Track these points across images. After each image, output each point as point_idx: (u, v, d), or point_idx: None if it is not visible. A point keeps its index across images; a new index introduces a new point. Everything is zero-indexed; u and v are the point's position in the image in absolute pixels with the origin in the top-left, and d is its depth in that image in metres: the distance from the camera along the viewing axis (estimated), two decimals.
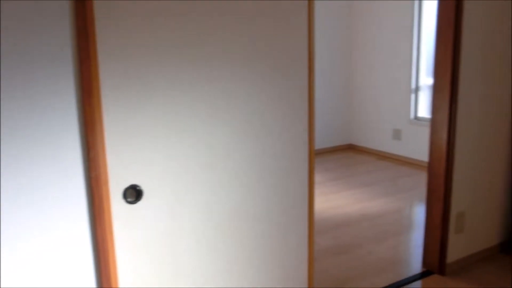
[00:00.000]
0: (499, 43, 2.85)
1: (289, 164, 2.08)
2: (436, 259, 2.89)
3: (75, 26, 1.47)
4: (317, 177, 5.02)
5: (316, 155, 6.03)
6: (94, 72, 1.51)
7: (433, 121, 2.82)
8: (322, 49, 5.94)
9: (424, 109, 5.52)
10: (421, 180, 4.86)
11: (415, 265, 3.02)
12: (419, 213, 3.97)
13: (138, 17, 1.57)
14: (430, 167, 2.86)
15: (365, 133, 6.19)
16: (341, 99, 6.24)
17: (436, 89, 2.78)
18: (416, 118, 5.53)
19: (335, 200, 4.28)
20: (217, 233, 1.91)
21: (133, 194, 1.66)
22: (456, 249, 2.92)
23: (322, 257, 3.14)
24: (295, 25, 1.98)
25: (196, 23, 1.70)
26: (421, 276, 2.88)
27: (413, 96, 5.51)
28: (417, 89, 5.49)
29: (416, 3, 5.32)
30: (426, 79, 5.46)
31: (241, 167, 1.93)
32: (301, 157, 2.11)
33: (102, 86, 1.54)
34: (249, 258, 2.04)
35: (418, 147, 5.50)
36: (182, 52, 1.69)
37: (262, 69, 1.91)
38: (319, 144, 6.15)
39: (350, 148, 6.39)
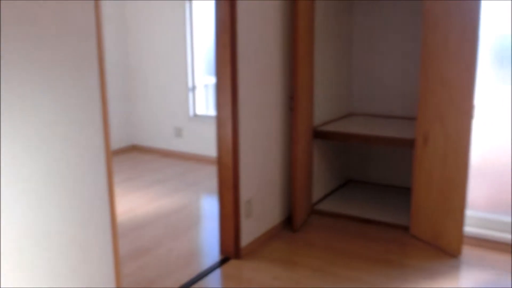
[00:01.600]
0: (271, 44, 3.22)
1: (84, 171, 1.99)
2: (231, 245, 3.14)
3: None
4: None
5: None
6: None
7: (218, 117, 3.04)
8: None
9: (202, 106, 5.83)
10: (206, 174, 5.15)
11: (214, 254, 3.22)
12: (209, 204, 4.22)
13: None
14: (220, 160, 3.08)
15: (148, 133, 6.23)
16: (120, 100, 6.13)
17: (219, 87, 3.00)
18: (195, 115, 5.82)
19: (127, 202, 4.22)
20: (8, 256, 1.72)
21: None
22: (248, 233, 3.23)
23: (124, 262, 3.09)
24: (82, 27, 1.90)
25: None
26: (220, 263, 3.09)
27: (191, 94, 5.77)
28: (193, 88, 5.77)
29: (187, 4, 5.57)
30: (203, 78, 5.77)
31: (31, 181, 1.77)
32: (98, 161, 2.04)
33: None
34: (49, 280, 1.89)
35: (199, 143, 5.80)
36: None
37: (46, 73, 1.78)
38: None
39: (134, 149, 6.35)
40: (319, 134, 3.79)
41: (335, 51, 4.14)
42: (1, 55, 1.61)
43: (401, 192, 4.33)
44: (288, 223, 3.69)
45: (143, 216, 3.90)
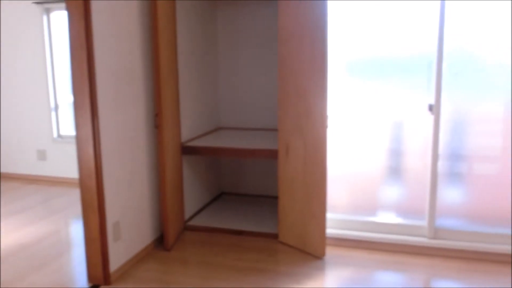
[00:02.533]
0: (132, 61, 3.16)
1: None
2: (100, 270, 3.00)
3: None
4: None
5: None
6: None
7: (78, 138, 2.90)
8: None
9: (67, 126, 5.53)
10: (74, 198, 4.88)
11: (81, 283, 3.05)
12: (77, 230, 3.99)
13: None
14: (82, 182, 2.93)
15: (9, 158, 5.73)
16: None
17: (76, 106, 2.87)
18: (60, 136, 5.49)
19: None
20: None
21: None
22: (117, 257, 3.11)
23: None
24: None
25: None
26: None
27: (54, 114, 5.44)
28: (56, 107, 5.45)
29: (45, 17, 5.26)
30: (67, 96, 5.47)
31: None
32: None
33: None
34: None
35: (66, 165, 5.48)
36: None
37: None
38: None
39: None
40: (187, 150, 3.80)
41: (200, 66, 4.20)
42: None
43: (271, 202, 4.50)
44: (161, 242, 3.63)
45: (3, 249, 3.56)
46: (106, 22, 2.91)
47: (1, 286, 2.99)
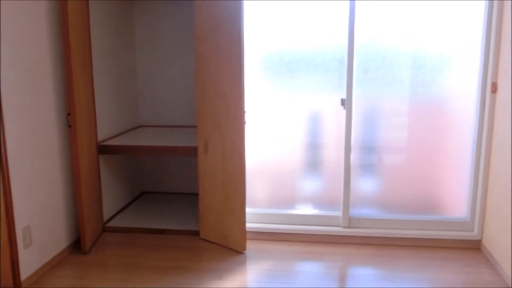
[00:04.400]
0: (41, 59, 3.00)
1: None
2: (9, 279, 2.84)
3: None
4: None
5: None
6: None
7: None
8: None
9: None
10: None
11: None
12: None
13: None
14: None
15: None
16: None
17: None
18: None
19: None
20: None
21: None
22: (29, 263, 2.96)
23: None
24: None
25: None
26: None
27: None
28: None
29: None
30: None
31: None
32: None
33: None
34: None
35: None
36: None
37: None
38: None
39: None
40: (104, 149, 3.68)
41: (117, 60, 4.08)
42: None
43: (192, 199, 4.49)
44: (78, 246, 3.50)
45: None
46: (10, 19, 2.74)
47: None
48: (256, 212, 3.66)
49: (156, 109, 4.55)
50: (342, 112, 3.45)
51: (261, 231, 3.59)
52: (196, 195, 4.60)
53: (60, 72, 3.29)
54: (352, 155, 3.49)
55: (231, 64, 3.18)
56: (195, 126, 4.46)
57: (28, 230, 2.94)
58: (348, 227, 3.56)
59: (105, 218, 3.89)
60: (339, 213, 3.59)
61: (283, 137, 3.57)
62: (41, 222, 3.08)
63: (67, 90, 3.26)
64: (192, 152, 3.54)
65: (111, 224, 3.85)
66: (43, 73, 3.09)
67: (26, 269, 2.93)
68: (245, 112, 3.20)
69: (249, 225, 3.61)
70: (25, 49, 2.89)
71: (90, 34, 3.49)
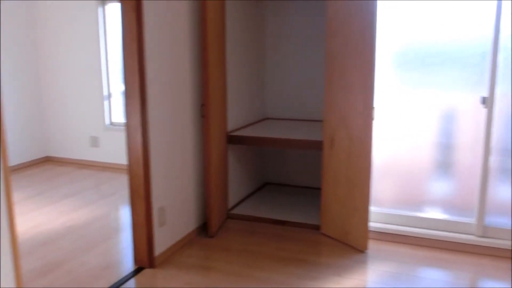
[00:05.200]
0: (180, 51, 3.23)
1: None
2: (145, 254, 3.10)
3: None
4: (14, 196, 4.61)
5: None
6: None
7: (128, 126, 3.00)
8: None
9: (119, 114, 5.71)
10: (123, 184, 5.05)
11: (128, 265, 3.16)
12: (125, 215, 4.14)
13: None
14: (130, 169, 3.04)
15: (63, 143, 6.00)
16: (32, 111, 5.85)
17: (127, 96, 2.96)
18: (112, 123, 5.69)
19: (36, 217, 4.04)
20: None
21: None
22: (162, 241, 3.20)
23: (33, 279, 2.95)
24: None
25: None
26: (134, 273, 3.04)
27: (106, 102, 5.64)
28: (109, 95, 5.64)
29: (100, 8, 5.44)
30: (119, 85, 5.65)
31: None
32: None
33: None
34: None
35: (116, 152, 5.67)
36: None
37: None
38: (11, 161, 5.63)
39: (48, 161, 6.08)
40: (233, 139, 3.84)
41: (248, 56, 4.22)
42: None
43: (314, 193, 4.49)
44: (204, 229, 3.71)
45: (54, 230, 3.75)
46: (156, 15, 2.97)
47: (53, 265, 3.15)
48: (380, 212, 3.54)
49: (282, 102, 4.63)
50: (482, 110, 3.19)
51: (384, 231, 3.47)
52: (318, 189, 4.60)
53: (197, 66, 3.49)
54: (491, 158, 3.21)
55: (361, 59, 3.10)
56: (321, 121, 4.45)
57: (162, 211, 3.18)
58: (483, 236, 3.28)
59: (230, 205, 4.06)
60: (471, 220, 3.33)
61: (412, 135, 3.40)
62: (174, 204, 3.31)
63: (202, 83, 3.45)
64: (317, 146, 3.54)
65: (235, 211, 4.01)
66: (182, 67, 3.30)
67: (159, 246, 3.18)
68: (373, 108, 3.11)
69: (372, 224, 3.51)
70: (168, 44, 3.12)
71: (225, 31, 3.65)
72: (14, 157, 5.63)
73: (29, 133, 5.83)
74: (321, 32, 4.37)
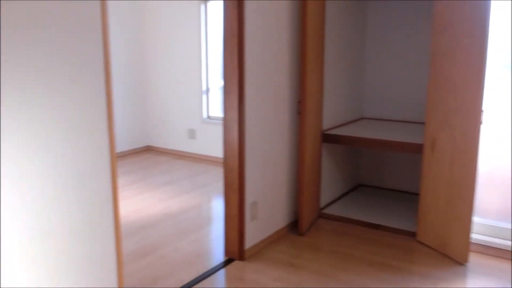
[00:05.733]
0: (279, 48, 3.24)
1: (90, 172, 2.03)
2: (236, 246, 3.16)
3: None
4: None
5: None
6: None
7: (225, 120, 3.06)
8: (111, 52, 5.82)
9: (215, 108, 5.88)
10: (216, 176, 5.19)
11: (218, 255, 3.24)
12: (217, 206, 4.25)
13: None
14: (225, 162, 3.10)
15: (162, 134, 6.30)
16: (136, 103, 6.22)
17: (226, 91, 3.03)
18: (209, 117, 5.86)
19: (137, 203, 4.28)
20: (13, 253, 1.77)
21: None
22: (253, 235, 3.24)
23: (128, 262, 3.13)
24: (88, 29, 1.94)
25: None
26: (224, 264, 3.11)
27: (205, 97, 5.82)
28: (208, 90, 5.82)
29: (203, 5, 5.63)
30: (217, 81, 5.82)
31: (35, 182, 1.81)
32: (102, 163, 2.08)
33: None
34: (51, 278, 1.93)
35: (212, 145, 5.84)
36: None
37: (54, 75, 1.83)
38: (116, 148, 6.01)
39: (149, 150, 6.42)
40: (328, 138, 3.78)
41: (347, 54, 4.13)
42: (1, 56, 1.66)
43: (411, 198, 4.29)
44: (295, 226, 3.69)
45: (152, 216, 3.95)
46: (257, 12, 3.00)
47: (150, 249, 3.32)
48: (484, 223, 3.29)
49: (380, 102, 4.47)
50: None
51: (488, 244, 3.22)
52: (415, 194, 4.39)
53: (295, 63, 3.47)
54: None
55: (471, 58, 2.89)
56: (420, 123, 4.24)
57: (255, 205, 3.22)
58: None
59: (322, 204, 4.01)
60: None
61: None
62: (266, 199, 3.34)
63: (300, 80, 3.43)
64: (416, 149, 3.37)
65: (327, 211, 3.95)
66: (281, 63, 3.31)
67: (250, 240, 3.21)
68: (482, 111, 2.89)
69: (474, 236, 3.27)
70: (267, 40, 3.14)
71: (324, 29, 3.60)
72: (119, 145, 6.02)
73: (133, 124, 6.20)
74: (423, 31, 4.15)
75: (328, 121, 3.93)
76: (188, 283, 2.85)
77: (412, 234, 3.51)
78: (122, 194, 4.53)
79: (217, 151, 5.80)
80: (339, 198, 4.30)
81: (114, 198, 2.17)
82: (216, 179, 5.06)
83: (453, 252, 3.14)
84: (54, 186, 1.89)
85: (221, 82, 5.80)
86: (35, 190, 1.82)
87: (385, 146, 3.51)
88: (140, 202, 4.29)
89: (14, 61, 1.69)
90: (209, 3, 5.63)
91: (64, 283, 1.98)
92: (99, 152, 2.06)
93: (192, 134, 5.99)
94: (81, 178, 2.00)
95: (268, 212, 3.38)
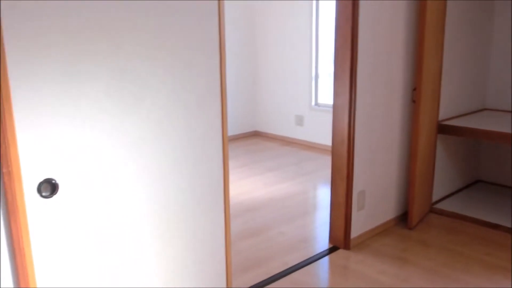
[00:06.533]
0: (393, 34, 3.10)
1: (203, 153, 2.11)
2: (341, 235, 3.11)
3: None
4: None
5: None
6: (3, 65, 1.42)
7: (335, 106, 3.01)
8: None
9: (324, 95, 5.82)
10: (323, 163, 5.15)
11: (323, 242, 3.22)
12: (323, 193, 4.22)
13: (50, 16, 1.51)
14: (334, 149, 3.06)
15: (270, 120, 6.39)
16: (246, 88, 6.37)
17: (336, 76, 2.97)
18: (317, 104, 5.82)
19: (243, 186, 4.40)
20: (131, 227, 1.91)
21: (48, 188, 1.61)
22: (359, 225, 3.17)
23: (235, 241, 3.23)
24: (207, 19, 2.01)
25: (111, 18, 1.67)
26: (329, 251, 3.09)
27: (313, 83, 5.79)
28: (317, 76, 5.77)
29: None
30: (326, 67, 5.75)
31: (154, 158, 1.92)
32: (215, 145, 2.16)
33: (12, 80, 1.46)
34: (168, 245, 2.06)
35: (319, 132, 5.80)
36: (94, 50, 1.65)
37: (173, 61, 1.92)
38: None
39: (256, 135, 6.56)
40: (444, 129, 3.56)
41: (470, 40, 3.83)
42: (122, 43, 1.78)
43: None
44: (403, 219, 3.54)
45: (258, 199, 4.03)
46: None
47: (255, 231, 3.39)
48: None
49: (506, 92, 4.10)
50: None
51: None
52: None
53: (411, 48, 3.30)
54: None
55: None
56: None
57: (362, 195, 3.14)
58: None
59: (434, 199, 3.80)
60: None
61: None
62: (374, 190, 3.24)
63: (415, 66, 3.26)
64: None
65: (439, 206, 3.74)
66: (395, 47, 3.16)
67: (356, 229, 3.15)
68: None
69: None
70: (380, 23, 3.01)
71: (445, 11, 3.37)
72: (228, 130, 6.23)
73: (242, 110, 6.36)
74: None
75: (445, 111, 3.69)
76: (292, 267, 2.88)
77: None
78: (230, 177, 4.68)
79: (325, 138, 5.74)
80: (454, 193, 4.04)
81: (224, 179, 2.24)
82: (322, 166, 5.03)
83: None
84: (171, 165, 1.99)
85: (331, 68, 5.71)
86: (154, 170, 1.93)
87: (508, 140, 3.22)
88: (246, 186, 4.40)
89: (139, 46, 1.80)
90: None
91: (183, 253, 2.10)
92: (212, 135, 2.14)
93: (300, 120, 6.00)
94: (196, 158, 2.08)
95: (375, 202, 3.28)
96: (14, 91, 1.47)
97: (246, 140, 6.29)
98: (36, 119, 1.54)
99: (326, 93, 5.80)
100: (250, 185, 4.41)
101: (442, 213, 3.67)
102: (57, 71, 1.56)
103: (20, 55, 1.47)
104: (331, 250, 3.11)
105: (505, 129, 3.31)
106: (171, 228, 2.04)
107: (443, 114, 3.67)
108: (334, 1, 2.92)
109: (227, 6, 5.91)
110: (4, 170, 1.47)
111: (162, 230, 2.01)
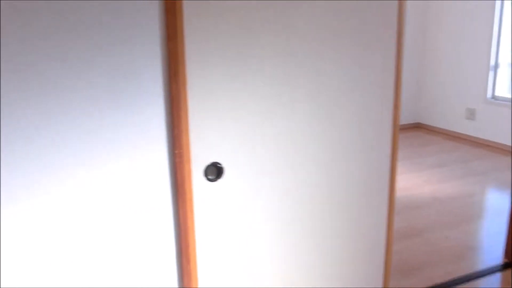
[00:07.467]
0: None
1: (373, 143, 1.97)
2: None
3: (163, 4, 1.42)
4: None
5: None
6: (181, 50, 1.45)
7: None
8: None
9: (504, 87, 5.15)
10: (497, 164, 4.58)
11: (495, 254, 2.85)
12: (496, 198, 3.74)
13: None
14: None
15: (435, 112, 5.90)
16: (409, 78, 5.96)
17: None
18: (494, 97, 5.19)
19: (404, 181, 4.11)
20: (293, 217, 1.85)
21: (214, 171, 1.62)
22: None
23: (394, 239, 3.02)
24: (386, 5, 1.84)
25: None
26: (502, 267, 2.71)
27: (491, 73, 5.16)
28: (496, 66, 5.13)
29: None
30: (507, 56, 5.08)
31: (323, 147, 1.84)
32: (385, 134, 1.99)
33: (188, 65, 1.49)
34: (326, 237, 1.97)
35: (495, 128, 5.17)
36: (266, 31, 1.60)
37: (351, 48, 1.80)
38: None
39: (418, 127, 6.12)
40: None
41: None
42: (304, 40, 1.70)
43: None
44: None
45: (419, 197, 3.74)
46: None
47: (416, 231, 3.13)
48: None
49: None
50: None
51: None
52: None
53: None
54: None
55: None
56: None
57: None
58: None
59: None
60: None
61: None
62: None
63: None
64: None
65: None
66: None
67: None
68: None
69: None
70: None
71: None
72: None
73: (405, 99, 5.98)
74: None
75: None
76: (457, 279, 2.59)
77: None
78: None
79: (501, 136, 5.10)
80: None
81: (392, 173, 2.07)
82: (496, 167, 4.47)
83: None
84: (340, 156, 1.89)
85: None
86: (322, 158, 1.85)
87: None
88: (406, 181, 4.11)
89: (322, 38, 1.72)
90: None
91: (341, 247, 2.00)
92: (383, 125, 1.98)
93: (471, 114, 5.42)
94: (365, 149, 1.95)
95: None
96: (190, 81, 1.50)
97: (407, 132, 5.91)
98: (208, 107, 1.55)
99: (505, 85, 5.13)
100: (410, 181, 4.11)
101: None
102: (232, 64, 1.55)
103: (198, 46, 1.49)
104: (506, 266, 2.72)
105: None
106: (333, 218, 1.95)
107: None
108: None
109: None
110: (176, 151, 1.52)
111: (325, 220, 1.93)
